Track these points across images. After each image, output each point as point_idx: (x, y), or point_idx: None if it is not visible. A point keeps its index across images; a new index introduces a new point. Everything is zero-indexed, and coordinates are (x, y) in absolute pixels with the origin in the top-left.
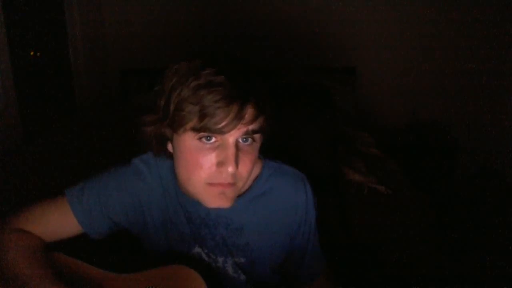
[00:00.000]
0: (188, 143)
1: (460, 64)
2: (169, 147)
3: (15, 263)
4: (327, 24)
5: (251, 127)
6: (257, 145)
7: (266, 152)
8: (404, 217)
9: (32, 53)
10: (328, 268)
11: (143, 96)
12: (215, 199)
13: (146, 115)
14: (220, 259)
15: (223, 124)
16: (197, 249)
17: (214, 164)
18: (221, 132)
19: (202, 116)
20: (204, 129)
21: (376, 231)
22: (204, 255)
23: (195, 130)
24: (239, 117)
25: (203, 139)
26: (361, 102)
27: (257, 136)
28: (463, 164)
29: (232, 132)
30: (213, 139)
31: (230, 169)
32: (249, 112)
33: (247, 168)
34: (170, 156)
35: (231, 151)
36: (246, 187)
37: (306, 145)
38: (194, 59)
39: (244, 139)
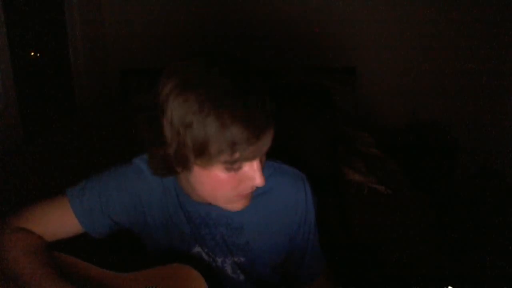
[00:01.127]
0: (215, 173)
1: (460, 64)
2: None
3: (16, 262)
4: (327, 24)
5: (270, 144)
6: None
7: (266, 152)
8: (404, 217)
9: (32, 53)
10: (328, 268)
11: (143, 96)
12: (239, 205)
13: (152, 147)
14: (219, 259)
15: (254, 154)
16: (197, 249)
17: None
18: (251, 159)
19: (233, 151)
20: (236, 162)
21: (376, 231)
22: (204, 255)
23: (226, 163)
24: (267, 145)
25: (233, 169)
26: (361, 102)
27: None
28: (463, 164)
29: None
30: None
31: (259, 183)
32: (270, 134)
33: None
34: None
35: (258, 168)
36: None
37: (306, 145)
38: (198, 62)
39: None
